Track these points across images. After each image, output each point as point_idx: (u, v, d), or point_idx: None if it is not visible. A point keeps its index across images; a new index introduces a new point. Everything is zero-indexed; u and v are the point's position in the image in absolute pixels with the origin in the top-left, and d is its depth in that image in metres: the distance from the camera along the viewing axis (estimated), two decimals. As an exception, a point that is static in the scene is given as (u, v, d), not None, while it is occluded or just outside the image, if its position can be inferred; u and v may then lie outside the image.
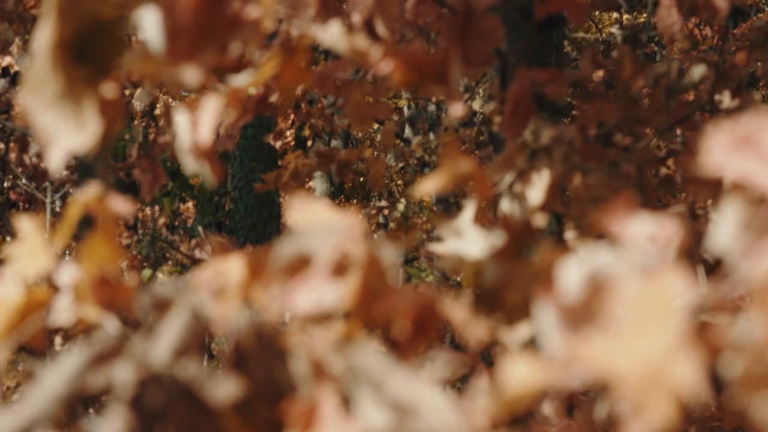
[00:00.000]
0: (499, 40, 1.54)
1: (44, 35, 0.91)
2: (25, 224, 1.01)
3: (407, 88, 1.24)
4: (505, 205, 1.49)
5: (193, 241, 4.26)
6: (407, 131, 7.21)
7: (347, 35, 1.22)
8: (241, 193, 6.66)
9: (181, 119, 1.18)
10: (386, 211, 8.43)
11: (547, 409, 1.26)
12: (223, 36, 1.00)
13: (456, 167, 1.03)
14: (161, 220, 6.50)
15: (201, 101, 1.19)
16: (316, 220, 0.84)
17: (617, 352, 0.64)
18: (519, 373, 0.69)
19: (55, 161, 0.93)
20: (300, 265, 0.78)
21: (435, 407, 0.67)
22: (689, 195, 2.23)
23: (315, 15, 1.24)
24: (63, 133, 0.91)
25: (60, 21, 0.90)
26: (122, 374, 0.69)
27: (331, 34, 1.21)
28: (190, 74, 0.98)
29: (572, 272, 0.70)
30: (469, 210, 1.06)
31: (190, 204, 9.32)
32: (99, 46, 0.92)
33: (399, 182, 10.18)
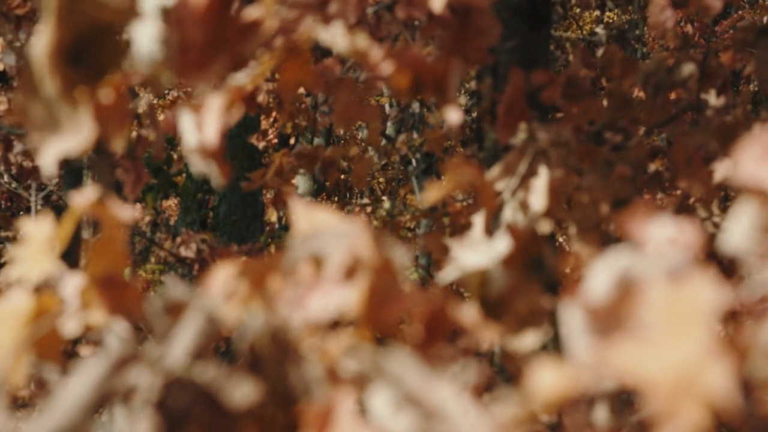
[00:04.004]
0: (495, 36, 1.54)
1: (43, 38, 0.90)
2: (28, 227, 1.01)
3: (407, 92, 1.24)
4: (509, 213, 1.49)
5: (178, 239, 4.25)
6: (390, 129, 7.21)
7: (348, 35, 1.22)
8: (224, 191, 6.65)
9: (185, 120, 1.18)
10: (369, 209, 8.41)
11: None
12: (234, 44, 1.00)
13: (461, 175, 1.03)
14: (146, 218, 6.48)
15: (204, 102, 1.18)
16: (319, 225, 0.84)
17: (648, 358, 0.64)
18: (547, 379, 0.69)
19: (47, 163, 0.93)
20: (312, 268, 0.78)
21: (465, 414, 0.67)
22: (680, 191, 2.24)
23: (317, 14, 1.24)
24: (57, 136, 0.91)
25: (59, 25, 0.89)
26: (148, 378, 0.69)
27: (333, 34, 1.21)
28: (202, 87, 0.98)
29: (601, 276, 0.70)
30: (479, 222, 1.06)
31: (171, 202, 9.29)
32: (97, 50, 0.91)
33: (381, 180, 10.17)
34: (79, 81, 0.91)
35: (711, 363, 0.63)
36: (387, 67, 1.21)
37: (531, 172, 1.50)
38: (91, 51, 0.91)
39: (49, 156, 0.92)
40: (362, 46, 1.21)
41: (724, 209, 2.26)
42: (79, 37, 0.90)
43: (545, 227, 1.46)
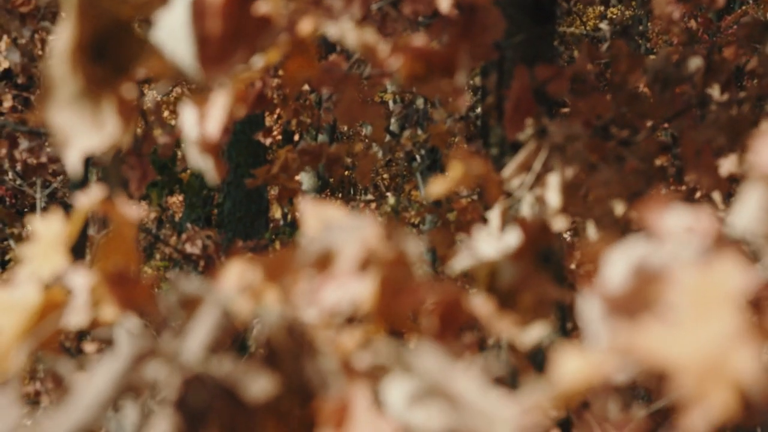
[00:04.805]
0: (500, 32, 1.54)
1: (64, 36, 0.90)
2: (39, 224, 1.01)
3: (414, 83, 1.24)
4: (526, 209, 1.49)
5: (184, 236, 4.26)
6: (394, 125, 7.21)
7: (356, 30, 1.21)
8: (229, 188, 6.65)
9: (188, 113, 1.17)
10: (373, 205, 8.42)
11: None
12: (252, 38, 1.00)
13: (467, 168, 1.03)
14: (152, 215, 6.49)
15: (209, 95, 1.18)
16: (329, 220, 0.84)
17: (675, 340, 0.64)
18: (572, 366, 0.69)
19: (73, 161, 0.93)
20: (325, 262, 0.78)
21: (490, 402, 0.67)
22: (686, 186, 2.24)
23: (321, 10, 1.24)
24: (81, 133, 0.91)
25: (80, 21, 0.89)
26: (167, 375, 0.69)
27: (340, 29, 1.21)
28: (221, 80, 0.98)
29: (619, 263, 0.70)
30: (495, 214, 1.06)
31: (176, 198, 9.31)
32: (117, 46, 0.91)
33: (385, 176, 10.18)
34: (101, 77, 0.90)
35: (739, 346, 0.63)
36: (395, 61, 1.21)
37: (546, 168, 1.50)
38: (113, 47, 0.91)
39: (75, 154, 0.92)
40: (370, 41, 1.21)
41: (728, 205, 2.26)
42: (101, 33, 0.90)
43: (561, 223, 1.46)
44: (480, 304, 0.90)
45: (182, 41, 0.96)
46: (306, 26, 1.22)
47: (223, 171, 1.25)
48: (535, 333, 1.02)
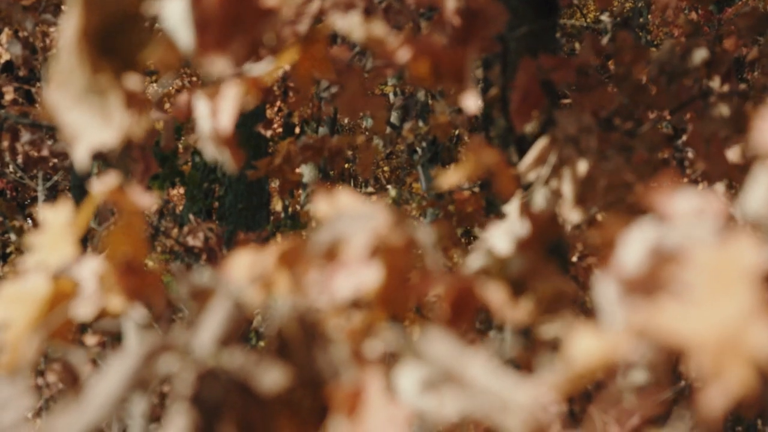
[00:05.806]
0: (502, 24, 1.54)
1: (70, 27, 0.90)
2: (48, 213, 1.01)
3: (427, 80, 1.24)
4: (540, 202, 1.48)
5: (186, 228, 4.26)
6: (394, 117, 7.21)
7: (365, 23, 1.21)
8: (230, 180, 6.65)
9: (201, 106, 1.18)
10: (374, 198, 8.41)
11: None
12: (253, 27, 1.00)
13: (479, 159, 1.03)
14: (153, 207, 6.49)
15: (220, 89, 1.18)
16: (341, 208, 0.84)
17: (692, 318, 0.65)
18: (586, 346, 0.69)
19: (81, 156, 0.93)
20: (335, 251, 0.78)
21: (505, 386, 0.68)
22: (687, 179, 2.25)
23: (334, 3, 1.24)
24: (89, 127, 0.90)
25: (85, 12, 0.89)
26: (181, 370, 0.69)
27: (350, 23, 1.21)
28: (220, 66, 0.98)
29: (634, 244, 0.70)
30: (514, 206, 1.06)
31: (176, 191, 9.30)
32: (124, 38, 0.91)
33: (386, 169, 10.17)
34: (108, 70, 0.90)
35: (755, 323, 0.64)
36: (404, 54, 1.21)
37: (561, 161, 1.50)
38: (119, 39, 0.91)
39: (83, 149, 0.91)
40: (378, 34, 1.21)
41: (731, 195, 2.26)
42: (106, 24, 0.90)
43: (577, 216, 1.46)
44: (493, 292, 0.90)
45: (182, 26, 0.96)
46: (314, 21, 1.22)
47: (240, 160, 1.26)
48: (554, 325, 1.02)
